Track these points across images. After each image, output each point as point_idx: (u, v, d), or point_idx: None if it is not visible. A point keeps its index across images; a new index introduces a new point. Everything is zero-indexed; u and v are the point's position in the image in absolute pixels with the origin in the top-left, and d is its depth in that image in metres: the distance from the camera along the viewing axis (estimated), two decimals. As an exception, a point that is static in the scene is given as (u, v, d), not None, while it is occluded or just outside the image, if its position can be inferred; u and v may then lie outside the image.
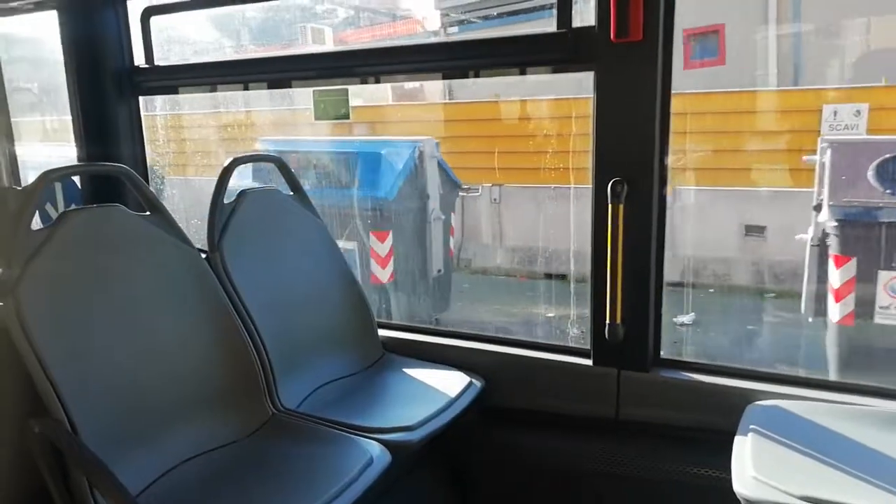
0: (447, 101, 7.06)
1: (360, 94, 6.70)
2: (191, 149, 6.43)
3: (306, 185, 4.83)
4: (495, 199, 6.33)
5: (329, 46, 6.83)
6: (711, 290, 5.55)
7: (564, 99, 5.75)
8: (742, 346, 5.03)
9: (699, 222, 5.51)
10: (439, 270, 5.39)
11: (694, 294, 5.37)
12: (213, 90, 2.70)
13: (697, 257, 5.50)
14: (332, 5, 7.26)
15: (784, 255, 5.21)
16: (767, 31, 5.97)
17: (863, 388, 1.74)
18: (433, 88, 7.06)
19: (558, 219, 5.75)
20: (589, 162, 1.90)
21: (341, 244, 4.91)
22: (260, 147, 5.68)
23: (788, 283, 5.16)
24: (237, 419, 1.81)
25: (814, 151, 4.02)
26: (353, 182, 5.24)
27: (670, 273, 5.62)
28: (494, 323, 5.63)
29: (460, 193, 5.78)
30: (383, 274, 5.17)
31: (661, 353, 1.95)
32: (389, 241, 5.14)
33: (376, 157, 5.22)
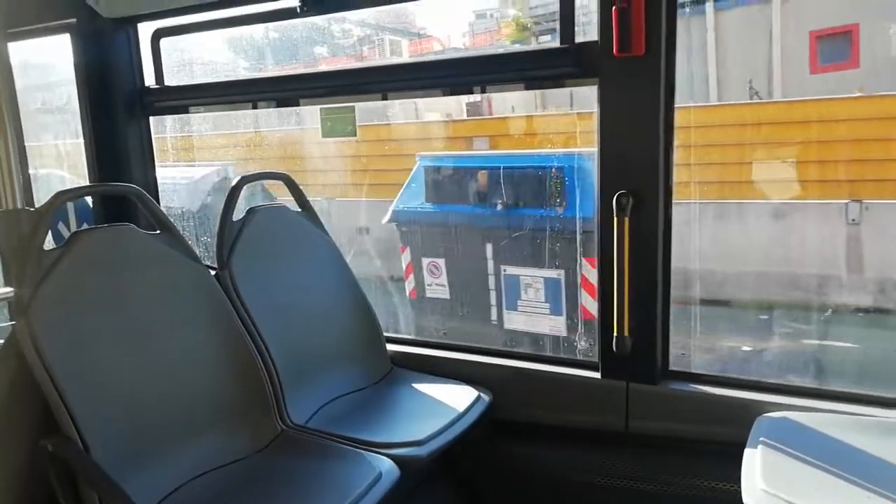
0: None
1: (436, 108, 6.22)
2: (344, 166, 5.93)
3: (497, 206, 4.27)
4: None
5: (400, 59, 6.64)
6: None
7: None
8: None
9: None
10: (633, 299, 4.70)
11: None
12: (223, 109, 2.75)
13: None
14: (349, 25, 7.23)
15: None
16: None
17: (872, 399, 1.72)
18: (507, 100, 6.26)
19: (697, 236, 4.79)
20: (595, 175, 1.91)
21: (543, 273, 4.30)
22: (420, 163, 5.04)
23: None
24: (247, 435, 1.82)
25: None
26: (556, 200, 4.43)
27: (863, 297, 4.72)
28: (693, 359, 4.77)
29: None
30: (595, 306, 4.43)
31: (670, 364, 1.95)
32: (604, 268, 4.40)
33: (585, 172, 4.39)
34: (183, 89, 2.60)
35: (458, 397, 1.98)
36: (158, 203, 2.44)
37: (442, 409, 1.92)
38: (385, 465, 1.65)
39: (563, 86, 2.08)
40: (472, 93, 2.44)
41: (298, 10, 2.23)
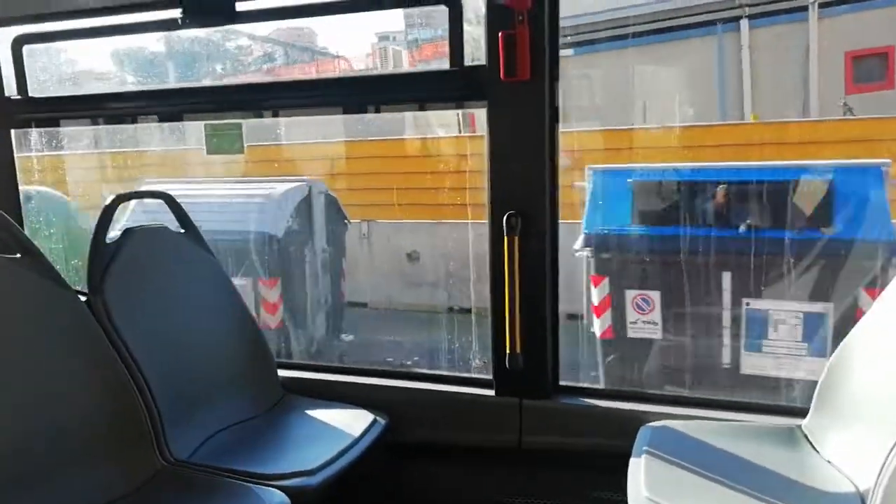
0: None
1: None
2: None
3: (741, 228, 3.51)
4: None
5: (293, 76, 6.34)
6: None
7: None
8: None
9: None
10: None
11: None
12: (98, 123, 2.57)
13: None
14: (248, 42, 7.00)
15: None
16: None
17: (744, 405, 1.85)
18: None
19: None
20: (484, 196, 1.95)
21: (803, 307, 3.54)
22: (593, 176, 4.02)
23: None
24: (122, 473, 1.69)
25: None
26: (820, 220, 3.65)
27: None
28: None
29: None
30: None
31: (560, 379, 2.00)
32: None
33: (857, 187, 3.64)
34: (51, 101, 2.41)
35: (353, 422, 1.93)
36: (22, 227, 2.25)
37: (335, 436, 1.87)
38: (275, 498, 1.58)
39: (455, 107, 2.12)
40: (366, 112, 2.42)
41: (180, 21, 2.14)
